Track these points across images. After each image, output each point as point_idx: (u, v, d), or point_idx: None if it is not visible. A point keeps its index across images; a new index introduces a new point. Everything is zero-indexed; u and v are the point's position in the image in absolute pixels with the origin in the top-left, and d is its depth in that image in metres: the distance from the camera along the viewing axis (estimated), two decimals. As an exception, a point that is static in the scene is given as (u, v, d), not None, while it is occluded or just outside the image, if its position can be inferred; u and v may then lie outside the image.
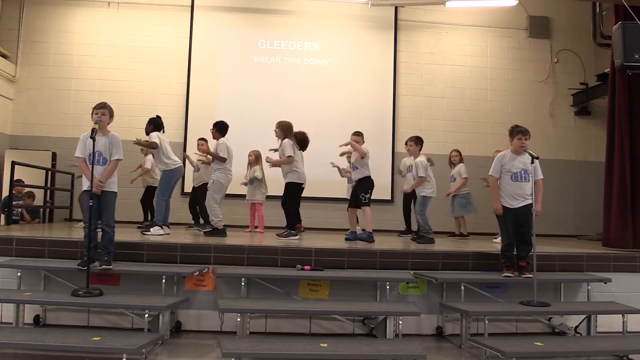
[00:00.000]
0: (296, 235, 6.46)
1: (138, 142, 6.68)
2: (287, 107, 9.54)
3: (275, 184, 7.59)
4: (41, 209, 9.09)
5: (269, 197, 7.76)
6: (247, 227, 7.88)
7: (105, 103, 4.81)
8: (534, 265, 4.68)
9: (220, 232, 6.53)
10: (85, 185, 4.66)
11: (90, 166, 4.51)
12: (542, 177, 5.05)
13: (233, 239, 6.16)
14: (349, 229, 7.03)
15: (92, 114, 4.74)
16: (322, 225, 9.10)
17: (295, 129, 6.82)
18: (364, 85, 9.88)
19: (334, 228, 8.80)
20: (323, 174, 8.86)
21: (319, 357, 3.69)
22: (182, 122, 9.55)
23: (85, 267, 4.41)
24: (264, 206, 7.73)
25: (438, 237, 7.03)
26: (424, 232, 6.70)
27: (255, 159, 7.70)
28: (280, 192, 6.73)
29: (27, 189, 8.51)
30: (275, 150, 6.81)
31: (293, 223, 6.53)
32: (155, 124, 6.83)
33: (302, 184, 6.69)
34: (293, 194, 6.60)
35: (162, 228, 6.37)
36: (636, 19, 5.98)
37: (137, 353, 3.68)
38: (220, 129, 6.92)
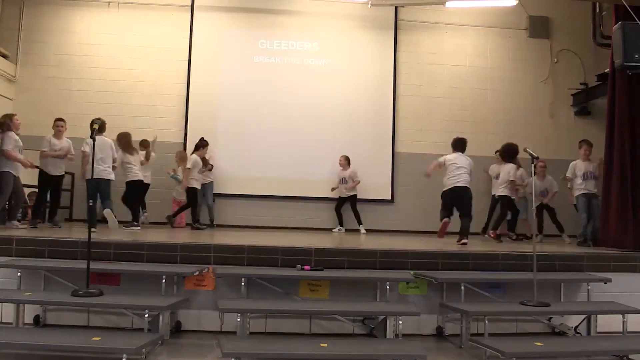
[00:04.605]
0: (138, 227, 7.13)
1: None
2: (287, 106, 9.55)
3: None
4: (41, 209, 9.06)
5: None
6: (247, 227, 7.90)
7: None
8: (534, 265, 4.68)
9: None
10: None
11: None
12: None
13: (233, 238, 6.15)
14: (350, 229, 7.02)
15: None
16: (322, 225, 9.06)
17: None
18: (364, 85, 9.87)
19: (333, 228, 8.79)
20: (323, 173, 8.89)
21: (319, 357, 3.69)
22: (182, 122, 9.54)
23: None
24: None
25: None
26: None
27: (179, 159, 8.39)
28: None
29: (31, 190, 8.49)
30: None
31: (137, 216, 7.35)
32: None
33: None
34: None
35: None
36: (636, 19, 5.98)
37: (137, 353, 3.68)
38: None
